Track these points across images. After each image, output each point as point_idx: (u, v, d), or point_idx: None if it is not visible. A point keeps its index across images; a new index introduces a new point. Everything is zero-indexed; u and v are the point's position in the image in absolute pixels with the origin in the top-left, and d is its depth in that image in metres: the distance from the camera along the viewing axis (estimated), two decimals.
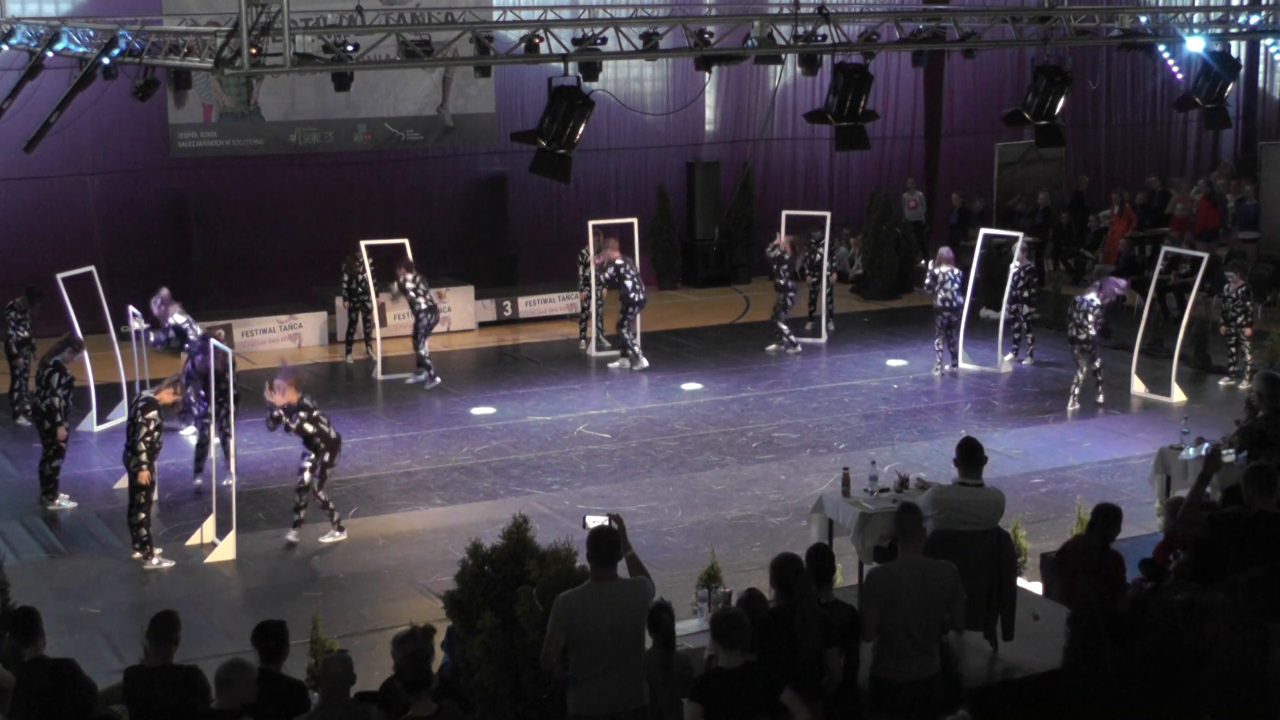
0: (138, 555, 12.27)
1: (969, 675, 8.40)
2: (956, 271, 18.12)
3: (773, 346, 19.63)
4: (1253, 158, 27.21)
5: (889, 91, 25.34)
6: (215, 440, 14.00)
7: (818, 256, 20.46)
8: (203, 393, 13.90)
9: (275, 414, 12.49)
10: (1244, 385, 16.89)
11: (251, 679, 7.11)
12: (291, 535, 12.78)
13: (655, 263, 23.93)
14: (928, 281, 18.27)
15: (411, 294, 17.80)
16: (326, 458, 12.66)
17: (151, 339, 15.41)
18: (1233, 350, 17.55)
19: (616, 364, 18.75)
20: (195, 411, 14.37)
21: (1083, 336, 16.27)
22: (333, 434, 12.71)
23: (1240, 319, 17.43)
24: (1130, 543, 9.73)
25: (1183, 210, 23.95)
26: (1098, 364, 16.54)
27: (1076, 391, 16.62)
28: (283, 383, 12.47)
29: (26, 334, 16.23)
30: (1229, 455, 10.46)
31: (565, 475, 14.57)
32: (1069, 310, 16.59)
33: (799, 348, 19.59)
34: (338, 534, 12.80)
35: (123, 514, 12.54)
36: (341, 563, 12.40)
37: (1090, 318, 16.20)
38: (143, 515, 12.26)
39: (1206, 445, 11.83)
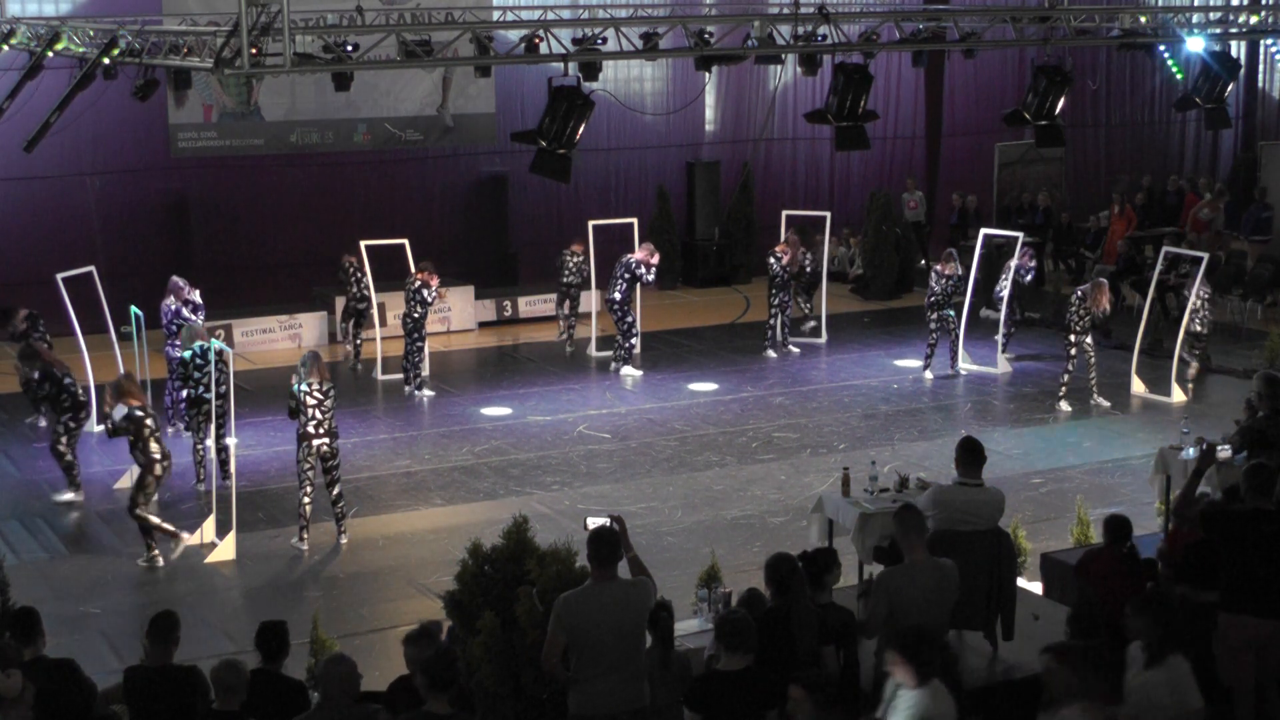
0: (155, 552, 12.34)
1: (969, 675, 8.40)
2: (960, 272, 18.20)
3: (773, 352, 19.56)
4: (1253, 158, 27.21)
5: (889, 91, 25.35)
6: (208, 441, 14.04)
7: (808, 261, 20.22)
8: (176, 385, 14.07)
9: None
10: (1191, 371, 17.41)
11: (245, 680, 7.11)
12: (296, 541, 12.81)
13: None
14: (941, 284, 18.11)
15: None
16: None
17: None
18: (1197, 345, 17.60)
19: (624, 368, 18.65)
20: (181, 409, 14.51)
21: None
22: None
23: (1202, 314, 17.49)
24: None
25: (1208, 214, 23.94)
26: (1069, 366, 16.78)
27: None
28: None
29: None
30: (1224, 451, 10.45)
31: (565, 475, 14.57)
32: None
33: (772, 352, 19.55)
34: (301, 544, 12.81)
35: (123, 514, 12.54)
36: (341, 563, 12.41)
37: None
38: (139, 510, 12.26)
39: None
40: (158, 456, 12.19)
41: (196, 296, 15.91)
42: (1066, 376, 16.76)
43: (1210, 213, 24.03)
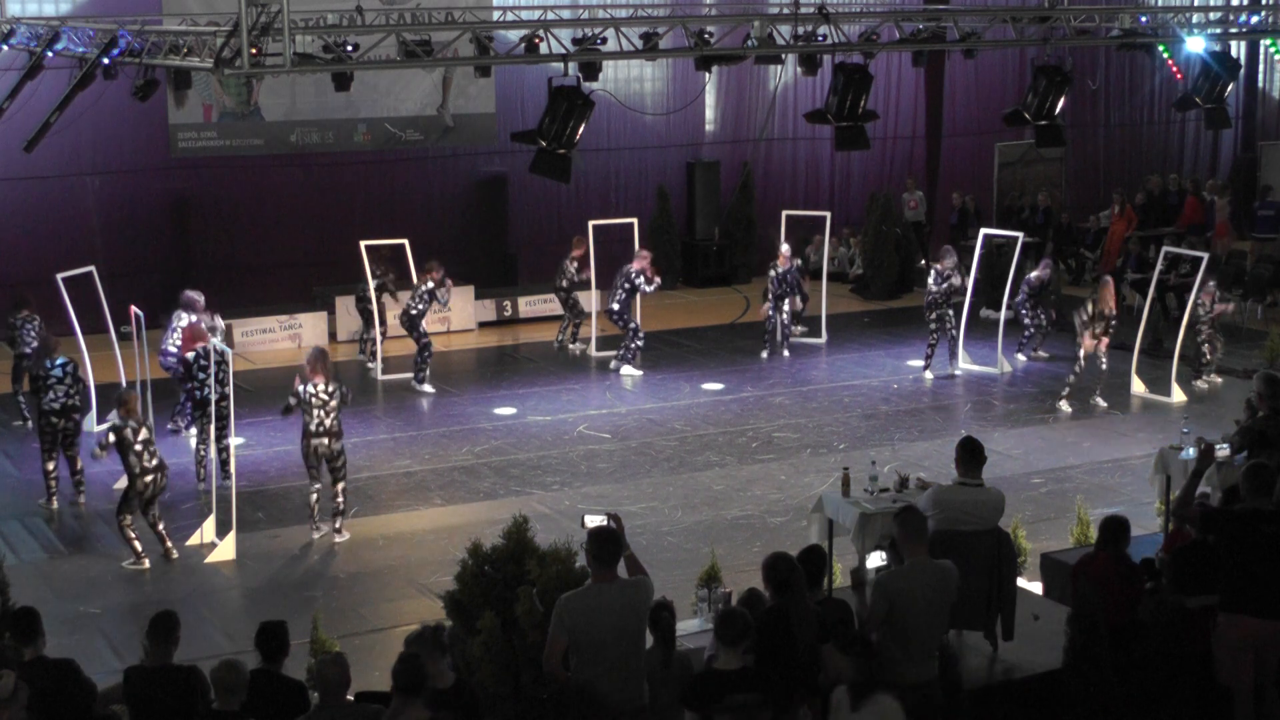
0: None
1: (969, 675, 8.41)
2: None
3: (765, 354, 19.56)
4: (1253, 158, 27.21)
5: (889, 91, 25.34)
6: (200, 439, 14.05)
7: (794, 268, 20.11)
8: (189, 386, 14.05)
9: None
10: (1205, 382, 17.46)
11: (245, 680, 7.11)
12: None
13: (655, 262, 23.84)
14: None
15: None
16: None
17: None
18: (1204, 347, 17.56)
19: (625, 368, 18.67)
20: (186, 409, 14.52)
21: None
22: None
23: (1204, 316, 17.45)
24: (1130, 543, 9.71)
25: (1227, 213, 23.89)
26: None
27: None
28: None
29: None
30: (1223, 451, 10.45)
31: (565, 475, 14.57)
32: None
33: (765, 354, 19.50)
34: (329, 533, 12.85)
35: None
36: (341, 563, 12.41)
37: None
38: (128, 517, 12.24)
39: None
40: (137, 470, 12.09)
41: (219, 321, 15.82)
42: (1072, 378, 16.77)
43: (1222, 215, 23.96)
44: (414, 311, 17.51)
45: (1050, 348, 19.18)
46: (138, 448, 12.07)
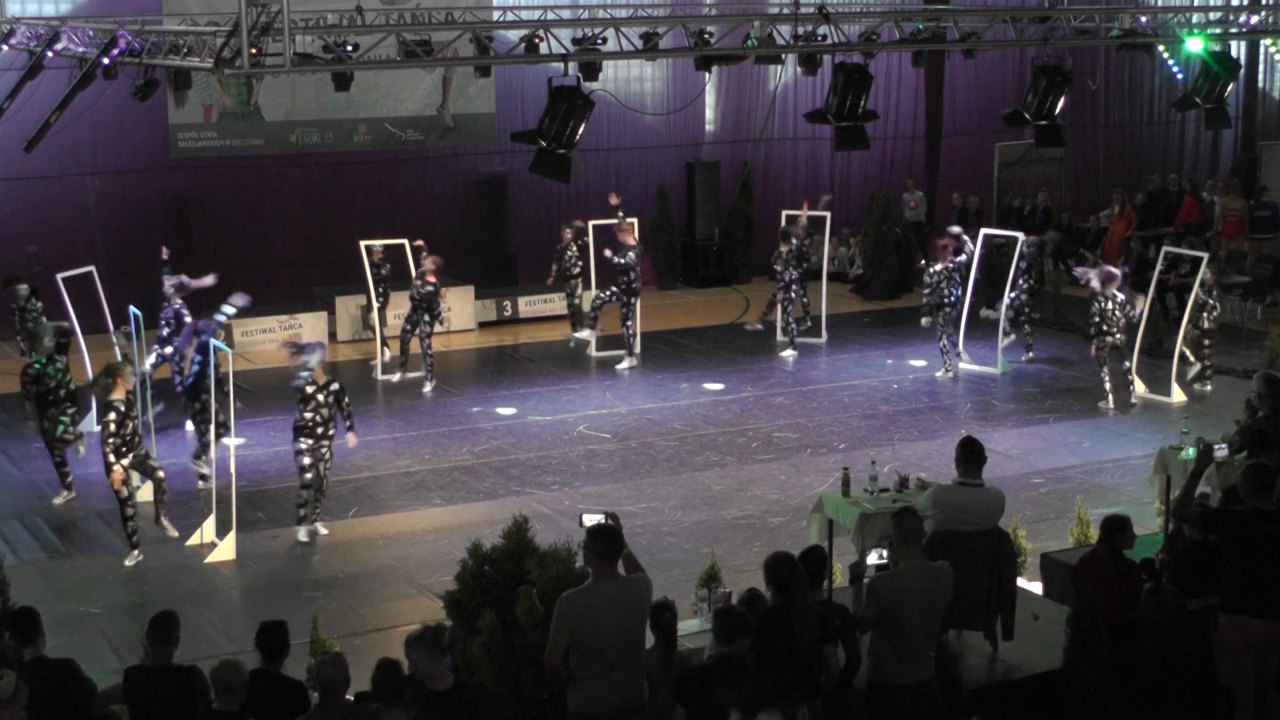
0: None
1: (969, 675, 8.41)
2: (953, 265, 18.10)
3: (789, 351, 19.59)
4: (1253, 158, 27.19)
5: (889, 91, 25.34)
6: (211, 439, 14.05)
7: (801, 257, 20.10)
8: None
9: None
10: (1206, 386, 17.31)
11: (245, 680, 7.12)
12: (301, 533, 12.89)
13: (655, 263, 23.93)
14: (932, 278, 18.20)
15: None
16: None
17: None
18: (1206, 346, 17.52)
19: (624, 365, 18.72)
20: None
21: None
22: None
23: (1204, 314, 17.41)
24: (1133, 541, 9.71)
25: (1232, 216, 23.88)
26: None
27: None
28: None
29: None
30: (1221, 450, 10.45)
31: (565, 475, 14.57)
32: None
33: (759, 324, 19.90)
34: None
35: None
36: (341, 563, 12.41)
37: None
38: (129, 511, 12.27)
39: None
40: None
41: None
42: (1126, 364, 16.89)
43: (1234, 216, 23.92)
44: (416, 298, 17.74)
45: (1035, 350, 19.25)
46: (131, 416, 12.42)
